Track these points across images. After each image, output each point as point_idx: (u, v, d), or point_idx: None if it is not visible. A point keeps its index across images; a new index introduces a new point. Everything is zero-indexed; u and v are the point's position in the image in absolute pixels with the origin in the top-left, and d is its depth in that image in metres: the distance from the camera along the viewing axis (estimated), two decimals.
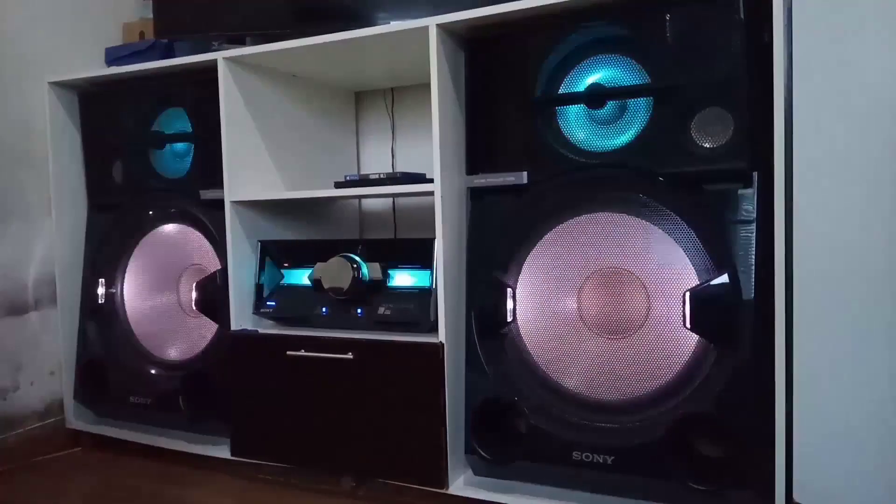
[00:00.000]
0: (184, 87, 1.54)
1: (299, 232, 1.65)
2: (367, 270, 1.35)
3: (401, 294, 1.33)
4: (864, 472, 0.97)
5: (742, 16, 1.04)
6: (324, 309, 1.40)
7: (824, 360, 0.99)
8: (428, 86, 1.75)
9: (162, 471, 1.52)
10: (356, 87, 1.82)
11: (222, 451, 1.47)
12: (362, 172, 1.87)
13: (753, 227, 1.05)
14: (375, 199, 1.87)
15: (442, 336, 1.23)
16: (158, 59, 1.56)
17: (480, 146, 1.26)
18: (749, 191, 1.06)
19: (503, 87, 1.23)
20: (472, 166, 1.27)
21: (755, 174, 1.06)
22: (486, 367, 1.22)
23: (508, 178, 1.22)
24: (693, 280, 1.09)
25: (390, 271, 1.35)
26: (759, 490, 1.03)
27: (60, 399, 1.70)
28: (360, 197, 1.74)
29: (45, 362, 1.68)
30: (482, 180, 1.25)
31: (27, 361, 1.64)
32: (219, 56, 1.42)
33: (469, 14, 1.19)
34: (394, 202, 1.83)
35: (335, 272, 1.35)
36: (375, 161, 1.87)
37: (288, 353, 1.35)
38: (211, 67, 1.46)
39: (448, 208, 1.26)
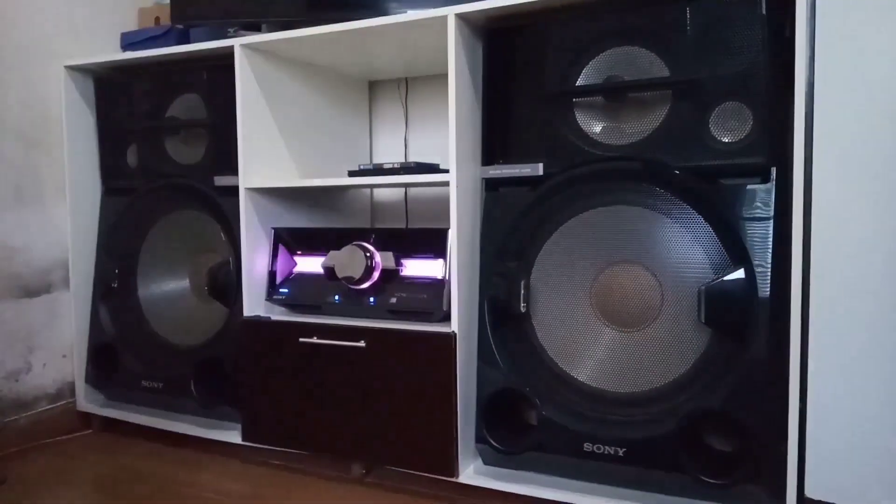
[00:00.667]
0: (199, 74, 1.54)
1: (311, 220, 1.66)
2: (379, 259, 1.35)
3: (413, 283, 1.33)
4: (877, 469, 0.97)
5: (764, 10, 1.03)
6: (336, 297, 1.40)
7: (839, 357, 0.99)
8: (442, 76, 1.77)
9: (172, 454, 1.54)
10: (370, 77, 1.82)
11: (233, 437, 1.48)
12: (375, 162, 1.87)
13: (771, 222, 1.04)
14: (387, 189, 1.87)
15: (455, 326, 1.24)
16: (174, 44, 1.57)
17: (496, 137, 1.26)
18: (767, 186, 1.05)
19: (521, 78, 1.22)
20: (488, 157, 1.27)
21: (773, 169, 1.05)
22: (499, 357, 1.22)
23: (524, 170, 1.22)
24: (708, 274, 1.09)
25: (403, 260, 1.35)
26: (771, 485, 1.03)
27: (72, 382, 1.71)
28: (373, 186, 1.74)
29: (58, 345, 1.69)
30: (497, 171, 1.25)
31: (40, 344, 1.65)
32: (236, 42, 1.42)
33: (488, 4, 1.19)
34: (406, 192, 1.84)
35: (348, 260, 1.35)
36: (388, 151, 1.87)
37: (300, 339, 1.35)
38: (227, 54, 1.46)
39: (462, 198, 1.26)
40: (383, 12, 1.33)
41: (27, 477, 1.44)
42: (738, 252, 1.06)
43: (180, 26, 1.65)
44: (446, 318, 1.27)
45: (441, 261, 1.30)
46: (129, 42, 1.76)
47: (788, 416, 1.02)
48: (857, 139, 0.97)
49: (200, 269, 1.61)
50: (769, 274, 1.04)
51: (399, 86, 1.83)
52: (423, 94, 1.80)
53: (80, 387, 1.70)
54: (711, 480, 1.05)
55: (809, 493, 1.01)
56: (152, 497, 1.32)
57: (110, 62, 1.62)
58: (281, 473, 1.43)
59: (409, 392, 1.26)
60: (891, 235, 0.96)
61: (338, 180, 1.41)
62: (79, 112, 1.69)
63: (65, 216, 1.69)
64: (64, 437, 1.66)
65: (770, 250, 1.04)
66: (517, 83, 1.23)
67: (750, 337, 1.05)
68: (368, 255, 1.34)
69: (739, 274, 1.05)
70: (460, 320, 1.25)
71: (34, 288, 1.64)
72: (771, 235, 1.04)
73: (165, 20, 1.82)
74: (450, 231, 1.26)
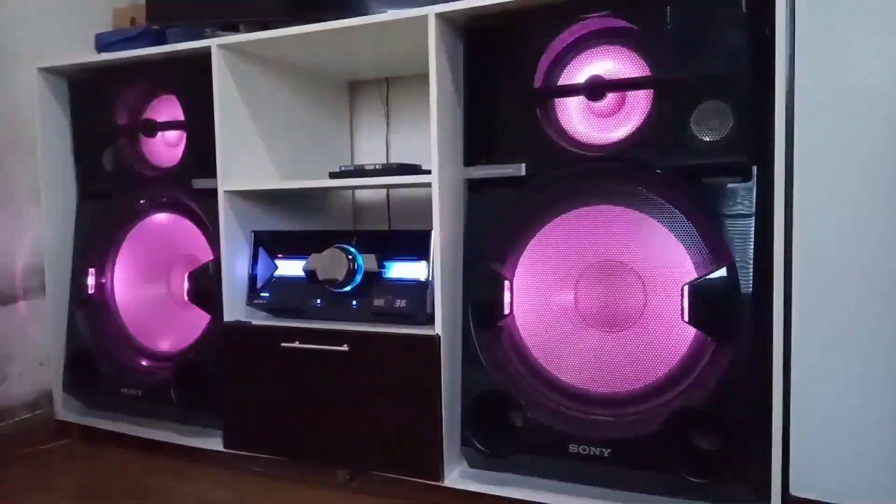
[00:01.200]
0: (176, 74, 1.52)
1: (292, 223, 1.64)
2: (362, 262, 1.34)
3: (397, 286, 1.32)
4: (862, 466, 0.98)
5: (744, 8, 1.04)
6: (318, 300, 1.39)
7: (822, 354, 0.99)
8: (423, 76, 1.75)
9: (153, 463, 1.51)
10: (350, 77, 1.80)
11: (215, 444, 1.46)
12: (356, 163, 1.86)
13: (752, 220, 1.05)
14: (369, 191, 1.86)
15: (438, 328, 1.23)
16: (150, 45, 1.54)
17: (478, 137, 1.25)
18: (748, 184, 1.05)
19: (502, 77, 1.22)
20: (470, 157, 1.26)
21: (755, 168, 1.05)
22: (483, 359, 1.21)
23: (507, 170, 1.21)
24: (691, 273, 1.09)
25: (386, 263, 1.34)
26: (756, 483, 1.03)
27: (49, 390, 1.68)
28: (355, 188, 1.73)
29: (34, 353, 1.65)
30: (480, 171, 1.24)
31: (15, 352, 1.61)
32: (213, 43, 1.40)
33: (468, 3, 1.18)
34: (388, 193, 1.82)
35: (330, 263, 1.33)
36: (369, 152, 1.85)
37: (282, 344, 1.33)
38: (204, 55, 1.43)
39: (445, 200, 1.25)
40: (363, 12, 1.31)
41: (4, 488, 1.40)
42: (720, 250, 1.06)
43: (156, 27, 1.62)
44: (430, 320, 1.26)
45: (424, 263, 1.29)
46: (104, 43, 1.73)
47: (772, 414, 1.02)
48: (838, 136, 0.98)
49: (179, 274, 1.58)
50: (751, 272, 1.04)
51: (380, 86, 1.82)
52: (405, 95, 1.79)
53: (58, 395, 1.67)
54: (697, 479, 1.05)
55: (794, 490, 1.01)
56: None
57: (85, 63, 1.59)
58: (264, 480, 1.41)
59: (393, 396, 1.25)
60: (872, 232, 0.96)
61: (319, 182, 1.39)
62: (53, 115, 1.66)
63: (40, 221, 1.65)
64: (42, 446, 1.62)
65: (752, 248, 1.04)
66: (499, 83, 1.22)
67: (733, 335, 1.05)
68: (351, 257, 1.33)
69: (722, 272, 1.05)
70: (444, 322, 1.24)
71: (8, 295, 1.61)
72: (752, 233, 1.04)
73: (141, 21, 1.80)
74: (433, 233, 1.25)
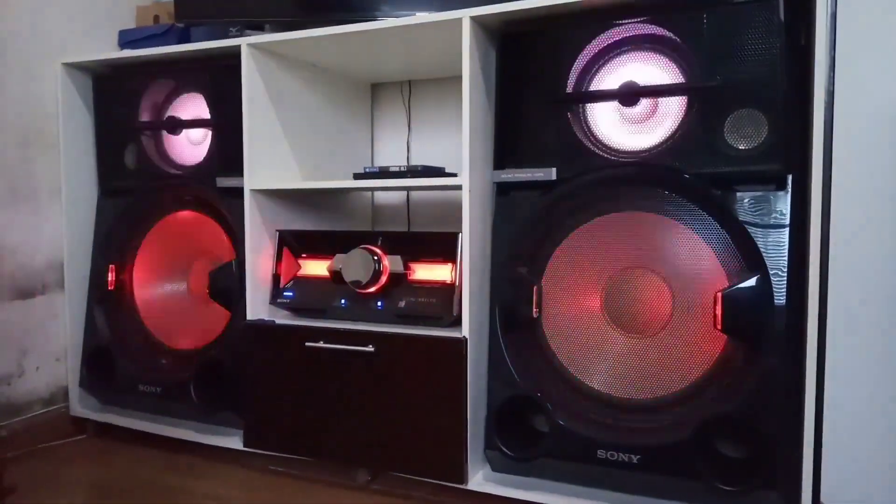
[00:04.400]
0: (203, 73, 1.52)
1: (311, 223, 1.64)
2: (387, 263, 1.34)
3: (422, 288, 1.32)
4: (892, 475, 0.98)
5: (782, 17, 1.04)
6: (342, 301, 1.38)
7: (856, 363, 1.00)
8: (445, 80, 1.76)
9: (169, 460, 1.50)
10: (373, 79, 1.80)
11: (234, 442, 1.46)
12: (377, 165, 1.86)
13: (787, 230, 1.05)
14: (389, 193, 1.86)
15: (465, 331, 1.23)
16: (174, 43, 1.54)
17: (509, 141, 1.25)
18: (783, 193, 1.06)
19: (535, 82, 1.22)
20: (500, 161, 1.26)
21: (789, 177, 1.06)
22: (510, 362, 1.21)
23: (537, 174, 1.21)
24: (723, 281, 1.09)
25: (411, 264, 1.34)
26: (786, 492, 1.03)
27: (66, 386, 1.67)
28: (379, 189, 1.73)
29: (52, 348, 1.65)
30: (510, 175, 1.24)
31: (33, 347, 1.61)
32: (243, 42, 1.40)
33: (503, 7, 1.18)
34: (408, 196, 1.82)
35: (356, 264, 1.33)
36: (390, 154, 1.85)
37: (307, 343, 1.33)
38: (231, 53, 1.44)
39: (475, 202, 1.25)
40: (390, 14, 1.31)
41: (20, 484, 1.39)
42: (753, 259, 1.06)
43: (181, 25, 1.62)
44: (456, 322, 1.26)
45: (450, 265, 1.29)
46: (127, 40, 1.73)
47: (804, 423, 1.02)
48: (877, 148, 0.98)
49: (200, 272, 1.58)
50: (786, 281, 1.04)
51: (402, 89, 1.82)
52: (426, 98, 1.79)
53: (74, 391, 1.66)
54: (727, 487, 1.04)
55: (825, 499, 1.01)
56: None
57: (110, 59, 1.59)
58: (282, 480, 1.41)
59: (417, 397, 1.25)
60: None
61: (346, 182, 1.39)
62: (76, 110, 1.66)
63: (60, 216, 1.65)
64: (57, 442, 1.62)
65: (786, 257, 1.04)
66: (531, 87, 1.22)
67: (766, 343, 1.05)
68: (376, 258, 1.33)
69: (755, 281, 1.05)
70: (471, 325, 1.23)
71: (28, 289, 1.60)
72: (787, 242, 1.05)
73: (164, 19, 1.80)
74: (461, 235, 1.25)
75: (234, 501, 1.31)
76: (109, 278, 1.61)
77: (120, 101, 1.62)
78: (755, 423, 1.04)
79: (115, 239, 1.63)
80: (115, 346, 1.60)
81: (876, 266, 0.98)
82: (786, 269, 1.04)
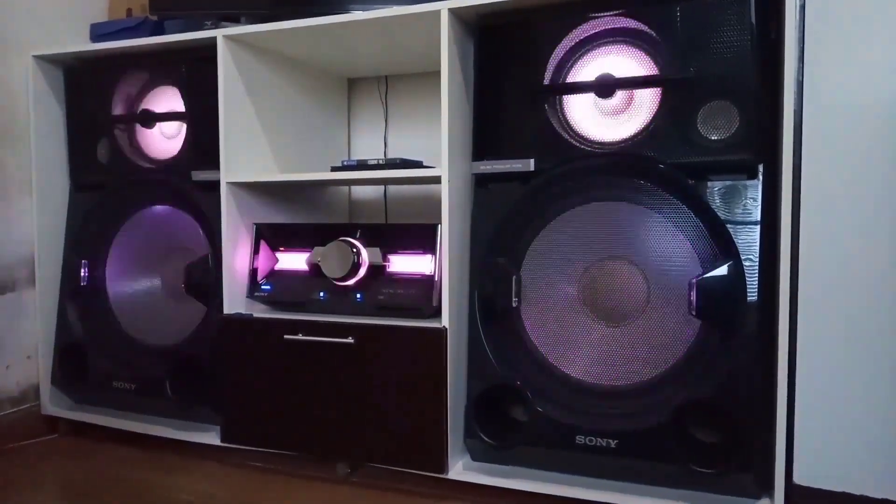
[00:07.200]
0: (177, 66, 1.50)
1: (288, 216, 1.63)
2: (366, 255, 1.34)
3: (402, 279, 1.32)
4: (864, 455, 1.01)
5: (753, 11, 1.07)
6: (321, 294, 1.38)
7: (827, 347, 1.02)
8: (421, 76, 1.77)
9: (145, 458, 1.48)
10: (350, 74, 1.80)
11: (211, 438, 1.44)
12: (354, 159, 1.85)
13: (758, 217, 1.07)
14: (365, 188, 1.86)
15: (445, 321, 1.23)
16: (147, 36, 1.52)
17: (487, 133, 1.27)
18: (754, 182, 1.08)
19: (512, 74, 1.23)
20: (478, 153, 1.27)
21: (760, 166, 1.08)
22: (489, 352, 1.22)
23: (515, 165, 1.23)
24: (697, 269, 1.11)
25: (390, 256, 1.34)
26: (760, 473, 1.05)
27: (37, 384, 1.64)
28: (357, 182, 1.73)
29: (22, 345, 1.61)
30: (488, 167, 1.25)
31: (3, 344, 1.57)
32: (219, 34, 1.39)
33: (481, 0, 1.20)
34: (385, 189, 1.83)
35: (334, 256, 1.33)
36: (367, 148, 1.85)
37: (285, 337, 1.33)
38: (206, 46, 1.43)
39: (453, 194, 1.26)
40: (367, 7, 1.32)
41: None
42: (726, 246, 1.09)
43: (155, 18, 1.60)
44: (436, 313, 1.27)
45: (430, 256, 1.30)
46: (99, 33, 1.71)
47: (777, 405, 1.05)
48: (847, 138, 1.01)
49: (174, 267, 1.56)
50: (758, 267, 1.07)
51: (378, 84, 1.82)
52: (403, 93, 1.80)
53: (46, 389, 1.63)
54: (703, 470, 1.07)
55: (799, 479, 1.04)
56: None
57: (82, 52, 1.57)
58: (261, 475, 1.40)
59: (398, 388, 1.25)
60: (878, 229, 1.00)
61: (326, 175, 1.39)
62: (47, 104, 1.63)
63: (31, 211, 1.62)
64: (28, 441, 1.59)
65: (758, 244, 1.07)
66: (509, 79, 1.23)
67: (739, 328, 1.07)
68: (355, 250, 1.33)
69: (728, 268, 1.08)
70: (451, 316, 1.24)
71: None
72: (759, 230, 1.07)
73: (138, 12, 1.78)
74: (440, 226, 1.26)
75: (214, 498, 1.30)
76: (82, 274, 1.59)
77: (92, 94, 1.59)
78: (729, 408, 1.07)
79: (88, 234, 1.61)
80: (89, 342, 1.57)
81: (846, 248, 1.01)
82: (757, 256, 1.07)
